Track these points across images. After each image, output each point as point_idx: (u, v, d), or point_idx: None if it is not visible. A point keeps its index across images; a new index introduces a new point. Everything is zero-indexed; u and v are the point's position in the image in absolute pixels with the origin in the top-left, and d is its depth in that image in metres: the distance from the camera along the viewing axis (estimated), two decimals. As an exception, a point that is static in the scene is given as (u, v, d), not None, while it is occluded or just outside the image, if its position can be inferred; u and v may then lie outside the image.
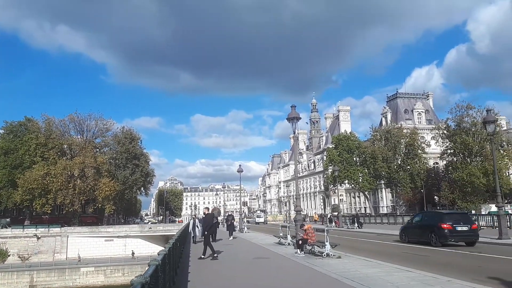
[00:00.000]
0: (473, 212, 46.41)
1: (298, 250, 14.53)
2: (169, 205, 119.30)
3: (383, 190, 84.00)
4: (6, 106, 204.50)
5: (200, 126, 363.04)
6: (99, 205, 57.64)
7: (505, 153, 54.65)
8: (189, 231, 24.77)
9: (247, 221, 65.31)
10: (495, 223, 25.48)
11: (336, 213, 52.44)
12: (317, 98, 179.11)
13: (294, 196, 30.70)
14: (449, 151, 58.00)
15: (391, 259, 12.90)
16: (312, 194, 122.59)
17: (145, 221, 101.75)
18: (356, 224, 38.46)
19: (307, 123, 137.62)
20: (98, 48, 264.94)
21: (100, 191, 53.90)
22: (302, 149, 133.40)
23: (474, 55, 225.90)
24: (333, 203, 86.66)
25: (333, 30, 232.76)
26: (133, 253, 46.38)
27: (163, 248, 7.14)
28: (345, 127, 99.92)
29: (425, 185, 60.51)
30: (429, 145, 64.52)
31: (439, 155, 63.30)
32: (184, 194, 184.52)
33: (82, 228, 51.37)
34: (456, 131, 55.86)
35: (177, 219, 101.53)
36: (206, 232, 14.67)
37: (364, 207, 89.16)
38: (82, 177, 55.26)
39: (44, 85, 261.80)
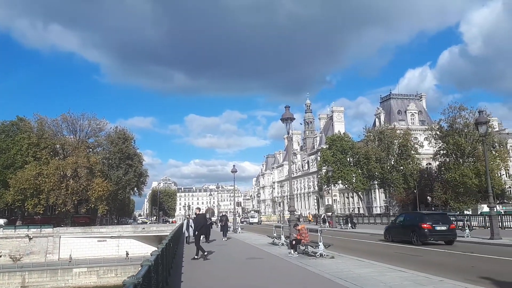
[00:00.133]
0: (469, 212, 46.87)
1: (292, 250, 14.54)
2: (162, 205, 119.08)
3: (377, 190, 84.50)
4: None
5: (194, 126, 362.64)
6: (92, 206, 57.19)
7: (497, 154, 55.22)
8: (183, 231, 24.70)
9: (241, 221, 65.25)
10: (487, 223, 25.65)
11: (329, 213, 52.59)
12: (311, 98, 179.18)
13: (288, 197, 30.77)
14: (441, 151, 58.48)
15: (384, 259, 12.96)
16: (306, 194, 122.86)
17: (138, 222, 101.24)
18: (349, 224, 38.55)
19: (301, 123, 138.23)
20: (91, 48, 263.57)
21: (93, 191, 53.51)
22: (296, 150, 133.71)
23: (467, 56, 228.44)
24: (326, 203, 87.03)
25: (327, 31, 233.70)
26: (127, 254, 46.14)
27: (156, 249, 7.11)
28: (339, 127, 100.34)
29: (418, 185, 60.94)
30: (422, 146, 65.07)
31: (432, 156, 63.83)
32: (178, 194, 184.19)
33: (74, 229, 50.91)
34: (448, 132, 56.34)
35: (170, 220, 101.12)
36: (197, 232, 14.65)
37: (358, 208, 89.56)
38: (75, 177, 54.86)
39: (37, 84, 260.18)
